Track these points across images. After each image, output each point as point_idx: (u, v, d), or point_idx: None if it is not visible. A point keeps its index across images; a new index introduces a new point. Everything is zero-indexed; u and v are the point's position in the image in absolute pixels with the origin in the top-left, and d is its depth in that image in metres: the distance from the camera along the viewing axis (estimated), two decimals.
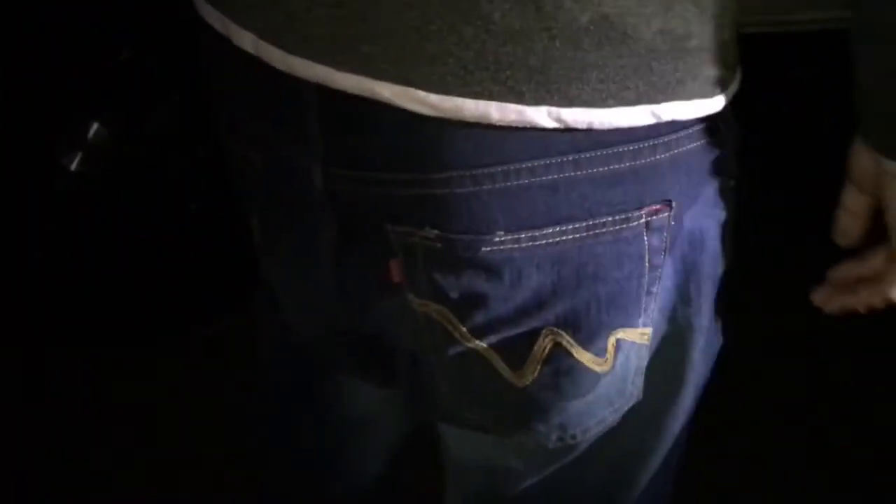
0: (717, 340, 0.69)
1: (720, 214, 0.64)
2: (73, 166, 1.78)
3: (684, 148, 0.58)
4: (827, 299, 0.69)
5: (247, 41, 0.59)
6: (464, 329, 0.61)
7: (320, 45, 0.55)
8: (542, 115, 0.53)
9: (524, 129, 0.53)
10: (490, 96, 0.52)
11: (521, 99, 0.52)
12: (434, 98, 0.53)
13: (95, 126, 1.76)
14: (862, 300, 0.67)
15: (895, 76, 0.56)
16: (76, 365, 1.83)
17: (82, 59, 1.72)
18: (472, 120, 0.53)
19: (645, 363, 0.65)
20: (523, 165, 0.54)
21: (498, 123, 0.53)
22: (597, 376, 0.63)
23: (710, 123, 0.60)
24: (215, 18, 0.62)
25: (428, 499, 1.08)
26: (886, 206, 0.63)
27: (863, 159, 0.63)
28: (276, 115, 0.61)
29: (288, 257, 0.70)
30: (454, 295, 0.60)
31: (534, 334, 0.61)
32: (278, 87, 0.59)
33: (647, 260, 0.59)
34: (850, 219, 0.68)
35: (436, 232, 0.57)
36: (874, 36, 0.55)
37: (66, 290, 1.84)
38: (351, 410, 0.87)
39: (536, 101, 0.52)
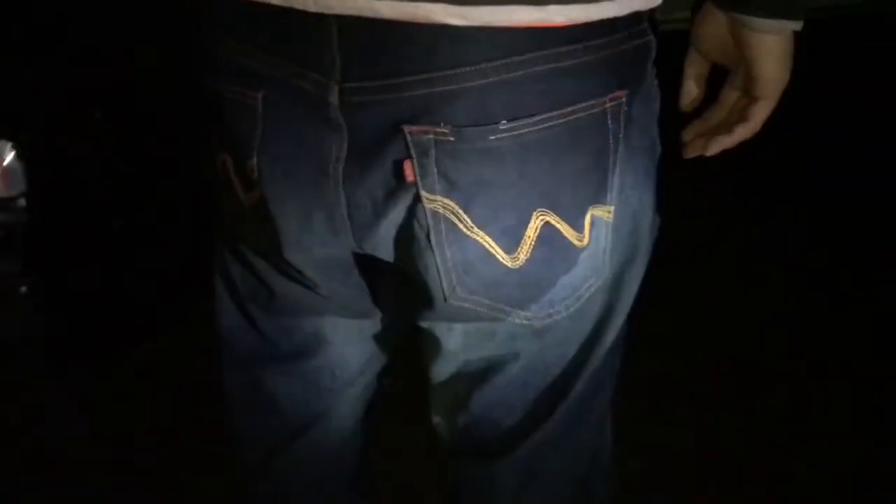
0: (658, 217, 0.84)
1: (654, 108, 0.79)
2: None
3: (632, 43, 0.73)
4: (704, 147, 0.86)
5: None
6: (468, 220, 0.73)
7: None
8: (553, 14, 0.66)
9: (526, 28, 0.66)
10: (512, 1, 0.65)
11: (534, 1, 0.66)
12: (466, 10, 0.65)
13: (9, 146, 1.77)
14: (737, 138, 0.85)
15: None
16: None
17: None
18: (499, 25, 0.66)
19: (611, 244, 0.78)
20: (521, 58, 0.67)
21: (517, 25, 0.66)
22: (578, 251, 0.76)
23: (645, 27, 0.75)
24: None
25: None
26: (751, 57, 0.81)
27: (714, 27, 0.82)
28: (290, 50, 0.71)
29: (295, 189, 0.78)
30: (463, 184, 0.71)
31: (527, 217, 0.73)
32: (292, 26, 0.69)
33: (610, 140, 0.73)
34: (694, 84, 0.88)
35: (449, 126, 0.69)
36: None
37: None
38: (322, 358, 0.96)
39: (545, 2, 0.66)
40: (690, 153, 0.88)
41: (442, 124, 0.69)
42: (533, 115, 0.69)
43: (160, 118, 1.79)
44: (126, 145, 1.82)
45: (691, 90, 0.88)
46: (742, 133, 0.85)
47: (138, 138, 1.82)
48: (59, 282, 1.87)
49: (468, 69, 0.67)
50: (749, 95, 0.84)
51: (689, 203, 2.09)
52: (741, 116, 0.85)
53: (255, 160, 0.77)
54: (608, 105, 0.72)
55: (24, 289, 1.84)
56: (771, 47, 0.80)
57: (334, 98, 0.71)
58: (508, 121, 0.69)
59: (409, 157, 0.71)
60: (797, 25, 0.79)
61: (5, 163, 1.78)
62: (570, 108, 0.70)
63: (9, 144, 1.77)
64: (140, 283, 1.92)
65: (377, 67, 0.69)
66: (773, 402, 1.87)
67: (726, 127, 0.85)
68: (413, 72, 0.68)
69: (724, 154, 0.87)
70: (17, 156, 1.77)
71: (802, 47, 0.83)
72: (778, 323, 2.10)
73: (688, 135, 0.89)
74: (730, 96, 0.87)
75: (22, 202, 1.80)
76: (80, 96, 1.79)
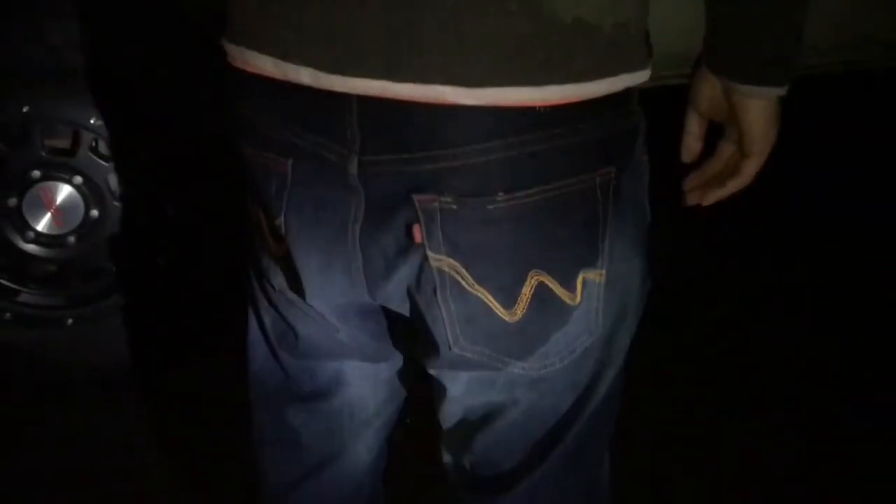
0: (649, 279, 0.91)
1: (643, 180, 0.87)
2: (42, 227, 1.91)
3: (622, 124, 0.81)
4: (700, 197, 0.96)
5: (304, 75, 0.78)
6: (470, 278, 0.80)
7: (378, 66, 0.75)
8: (549, 93, 0.75)
9: (521, 110, 0.75)
10: (514, 83, 0.74)
11: (532, 81, 0.74)
12: (475, 91, 0.74)
13: (68, 189, 1.89)
14: (729, 190, 0.94)
15: (780, 19, 0.83)
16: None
17: None
18: (503, 105, 0.74)
19: (603, 304, 0.85)
20: (517, 139, 0.76)
21: (519, 104, 0.74)
22: (570, 309, 0.84)
23: (634, 108, 0.82)
24: (269, 63, 0.80)
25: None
26: (740, 118, 0.89)
27: (710, 90, 0.91)
28: (316, 123, 0.80)
29: (317, 244, 0.86)
30: (465, 247, 0.79)
31: (523, 278, 0.81)
32: (319, 103, 0.79)
33: (599, 211, 0.81)
34: (694, 140, 0.97)
35: (453, 196, 0.77)
36: None
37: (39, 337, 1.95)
38: (343, 399, 1.04)
39: (544, 83, 0.74)
40: (690, 202, 0.97)
41: (446, 194, 0.77)
42: (528, 187, 0.77)
43: (204, 163, 1.88)
44: (172, 188, 1.93)
45: (691, 144, 0.97)
46: (733, 186, 0.94)
47: (184, 182, 1.92)
48: (104, 315, 1.98)
49: (471, 147, 0.76)
50: (741, 151, 0.92)
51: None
52: (734, 171, 0.93)
53: (282, 218, 0.86)
54: (598, 179, 0.80)
55: (70, 321, 1.96)
56: (758, 110, 0.88)
57: (353, 168, 0.79)
58: (505, 192, 0.77)
59: (418, 221, 0.79)
60: (782, 91, 0.87)
61: (58, 202, 1.90)
62: (562, 182, 0.78)
63: (67, 186, 1.89)
64: (180, 316, 2.02)
65: (391, 143, 0.77)
66: (775, 445, 1.91)
67: (720, 180, 0.94)
68: (423, 148, 0.76)
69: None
70: (70, 196, 1.90)
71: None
72: (783, 358, 2.16)
73: (688, 184, 0.98)
74: (725, 150, 0.95)
75: (72, 239, 1.92)
76: (128, 141, 1.90)
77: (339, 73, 0.76)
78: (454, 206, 0.77)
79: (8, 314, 1.94)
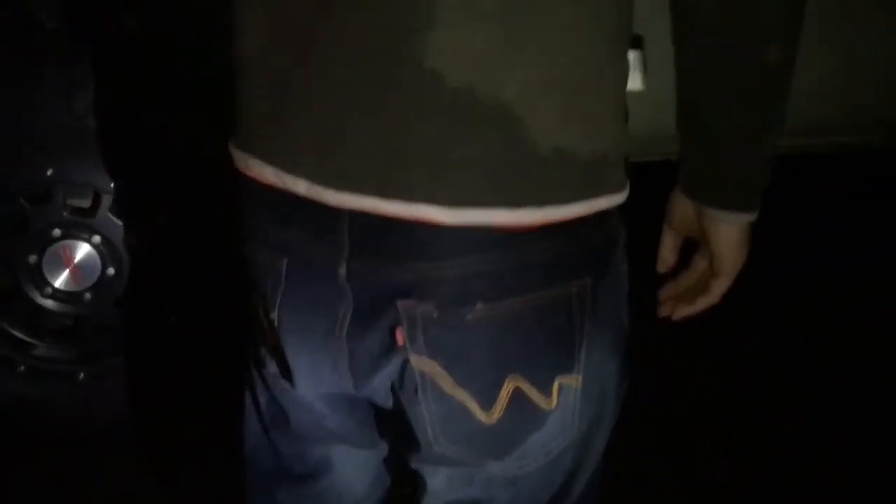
0: (626, 382, 0.94)
1: (621, 288, 0.90)
2: (60, 284, 1.97)
3: (599, 238, 0.85)
4: (671, 310, 1.00)
5: (300, 186, 0.83)
6: (451, 380, 0.84)
7: (368, 184, 0.79)
8: (527, 216, 0.79)
9: (500, 228, 0.79)
10: (492, 205, 0.78)
11: (510, 204, 0.78)
12: (455, 211, 0.78)
13: (86, 248, 1.96)
14: (698, 307, 0.98)
15: (747, 148, 0.87)
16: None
17: None
18: (483, 225, 0.78)
19: (579, 408, 0.88)
20: (495, 255, 0.80)
21: (494, 225, 0.78)
22: (546, 413, 0.87)
23: (612, 222, 0.86)
24: (269, 171, 0.85)
25: None
26: (710, 239, 0.93)
27: (683, 210, 0.95)
28: (310, 229, 0.85)
29: (307, 339, 0.91)
30: (445, 350, 0.83)
31: (500, 382, 0.84)
32: (313, 211, 0.83)
33: (576, 320, 0.84)
34: (669, 252, 1.01)
35: (434, 304, 0.81)
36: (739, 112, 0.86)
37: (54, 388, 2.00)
38: (331, 481, 1.06)
39: (521, 205, 0.78)
40: (662, 313, 1.01)
41: (428, 301, 0.81)
42: (505, 297, 0.81)
43: (216, 227, 1.94)
44: (185, 249, 1.99)
45: (665, 257, 1.01)
46: (702, 304, 0.98)
47: (198, 242, 1.98)
48: (115, 370, 2.03)
49: (451, 261, 0.80)
50: (711, 270, 0.96)
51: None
52: (703, 288, 0.97)
53: (276, 313, 0.91)
54: (574, 290, 0.83)
55: (82, 375, 2.02)
56: (728, 234, 0.92)
57: (343, 271, 0.84)
58: (484, 301, 0.81)
59: (401, 324, 0.83)
60: (751, 217, 0.91)
61: (76, 260, 1.96)
62: (539, 293, 0.82)
63: (81, 244, 1.96)
64: (190, 373, 2.07)
65: (378, 252, 0.82)
66: None
67: (691, 295, 0.98)
68: (407, 259, 0.81)
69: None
70: (88, 254, 1.96)
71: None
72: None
73: (662, 295, 1.01)
74: (699, 265, 0.99)
75: (88, 296, 1.98)
76: (145, 203, 1.96)
77: (333, 187, 0.81)
78: (435, 314, 0.81)
79: (22, 367, 1.99)
